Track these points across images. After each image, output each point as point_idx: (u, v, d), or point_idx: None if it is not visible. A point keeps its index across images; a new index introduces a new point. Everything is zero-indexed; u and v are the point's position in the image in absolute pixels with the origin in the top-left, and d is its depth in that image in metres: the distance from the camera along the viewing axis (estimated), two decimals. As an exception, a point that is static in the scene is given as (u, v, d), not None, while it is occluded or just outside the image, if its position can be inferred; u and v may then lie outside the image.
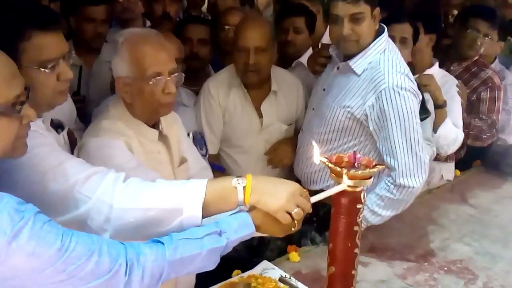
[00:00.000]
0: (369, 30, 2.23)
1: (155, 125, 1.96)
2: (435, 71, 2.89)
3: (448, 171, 3.19)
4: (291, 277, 2.01)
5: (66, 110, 2.25)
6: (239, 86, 2.62)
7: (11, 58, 1.25)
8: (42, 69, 1.43)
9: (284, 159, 2.67)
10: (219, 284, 1.94)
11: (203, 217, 1.32)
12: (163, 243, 1.22)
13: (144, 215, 1.33)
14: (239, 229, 1.30)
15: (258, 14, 3.51)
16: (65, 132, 1.76)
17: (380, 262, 2.24)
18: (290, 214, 1.32)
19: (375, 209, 2.24)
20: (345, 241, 1.51)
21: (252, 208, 1.36)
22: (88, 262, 1.11)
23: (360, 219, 1.50)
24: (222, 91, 2.63)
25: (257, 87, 2.62)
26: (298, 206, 1.33)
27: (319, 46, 3.13)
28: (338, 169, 1.43)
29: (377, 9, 2.23)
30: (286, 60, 3.06)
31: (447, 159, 3.12)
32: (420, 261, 2.26)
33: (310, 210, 1.37)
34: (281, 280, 2.00)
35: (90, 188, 1.36)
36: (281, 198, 1.31)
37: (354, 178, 1.43)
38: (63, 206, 1.36)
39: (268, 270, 2.07)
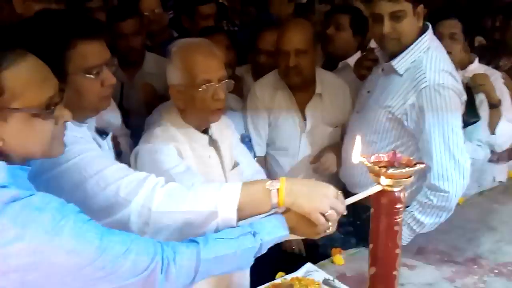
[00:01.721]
0: (411, 28, 2.17)
1: (206, 130, 2.02)
2: (476, 66, 2.80)
3: (500, 172, 3.07)
4: (335, 280, 1.98)
5: (112, 116, 2.33)
6: (284, 88, 2.64)
7: (58, 67, 1.31)
8: (88, 75, 1.50)
9: (330, 167, 2.63)
10: (262, 286, 1.94)
11: (238, 219, 1.33)
12: (198, 243, 1.23)
13: (181, 218, 1.36)
14: (272, 230, 1.30)
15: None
16: (109, 138, 1.82)
17: (427, 265, 2.17)
18: (324, 215, 1.30)
19: (417, 216, 2.17)
20: (385, 242, 1.48)
21: (286, 211, 1.35)
22: (125, 260, 1.13)
23: (401, 219, 1.47)
24: (268, 93, 2.65)
25: (301, 89, 2.63)
26: (332, 208, 1.31)
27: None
28: (377, 168, 1.41)
29: (421, 6, 2.16)
30: (332, 61, 3.04)
31: (498, 160, 3.00)
32: (469, 264, 2.17)
33: (345, 212, 1.35)
34: (325, 282, 1.97)
35: (131, 193, 1.40)
36: (315, 200, 1.30)
37: (392, 177, 1.40)
38: (106, 210, 1.39)
39: (312, 272, 2.04)
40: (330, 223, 1.32)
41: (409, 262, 2.18)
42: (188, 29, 3.28)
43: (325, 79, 2.67)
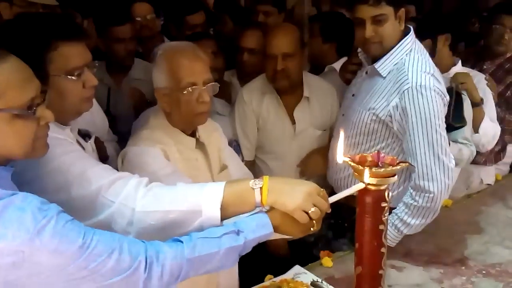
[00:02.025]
0: (393, 32, 2.19)
1: (193, 133, 2.02)
2: (459, 69, 2.83)
3: (488, 175, 3.09)
4: (323, 281, 1.98)
5: (98, 121, 2.34)
6: (272, 92, 2.65)
7: (39, 68, 1.31)
8: (70, 77, 1.51)
9: (317, 169, 2.65)
10: (250, 289, 1.94)
11: (222, 218, 1.33)
12: (182, 242, 1.23)
13: (165, 217, 1.35)
14: (257, 229, 1.30)
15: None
16: (92, 140, 1.82)
17: (415, 266, 2.18)
18: (307, 213, 1.31)
19: (404, 218, 2.17)
20: (371, 241, 1.47)
21: (270, 209, 1.35)
22: (109, 259, 1.13)
23: (386, 217, 1.47)
24: (256, 97, 2.67)
25: (289, 93, 2.64)
26: (315, 206, 1.31)
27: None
28: (360, 167, 1.40)
29: (402, 10, 2.19)
30: (317, 67, 3.06)
31: (486, 162, 3.03)
32: (457, 265, 2.18)
33: (328, 210, 1.35)
34: (313, 284, 1.98)
35: (114, 193, 1.40)
36: (298, 198, 1.30)
37: (377, 176, 1.40)
38: (89, 211, 1.40)
39: (300, 274, 2.05)
40: (314, 221, 1.32)
41: (397, 264, 2.19)
42: (176, 37, 3.28)
43: (312, 83, 2.69)
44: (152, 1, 3.38)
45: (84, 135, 1.73)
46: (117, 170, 1.65)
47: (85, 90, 1.56)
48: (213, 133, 2.15)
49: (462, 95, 2.55)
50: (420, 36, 2.34)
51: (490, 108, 2.79)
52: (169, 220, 1.35)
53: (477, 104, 2.63)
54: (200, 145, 2.04)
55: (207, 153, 2.06)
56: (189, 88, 1.87)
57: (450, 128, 2.41)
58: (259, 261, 2.43)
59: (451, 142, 2.56)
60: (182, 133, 1.98)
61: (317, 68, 3.09)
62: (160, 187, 1.42)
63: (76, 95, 1.54)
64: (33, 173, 1.39)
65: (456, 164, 2.57)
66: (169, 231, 1.34)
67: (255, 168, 2.73)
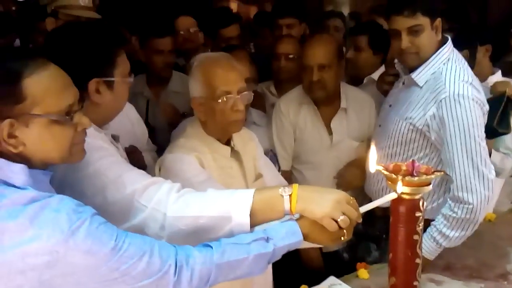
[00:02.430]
0: (429, 42, 2.17)
1: (228, 142, 2.05)
2: (498, 78, 2.76)
3: (534, 188, 2.98)
4: (358, 293, 1.95)
5: (139, 132, 2.42)
6: (309, 103, 2.67)
7: (108, 73, 1.51)
8: (129, 79, 1.68)
9: (354, 181, 2.64)
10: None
11: (251, 225, 1.34)
12: (212, 247, 1.24)
13: (195, 223, 1.37)
14: (286, 236, 1.30)
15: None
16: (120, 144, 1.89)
17: (455, 281, 2.12)
18: (336, 222, 1.30)
19: (442, 230, 2.12)
20: (405, 251, 1.46)
21: (300, 217, 1.35)
22: (139, 262, 1.15)
23: (420, 227, 1.45)
24: (293, 108, 2.69)
25: (326, 104, 2.65)
26: (344, 214, 1.30)
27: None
28: (394, 176, 1.39)
29: (438, 20, 2.17)
30: (356, 78, 3.05)
31: (532, 175, 2.92)
32: (499, 281, 2.11)
33: (359, 219, 1.34)
34: (348, 296, 1.95)
35: (147, 198, 1.43)
36: (327, 206, 1.30)
37: (410, 185, 1.39)
38: (124, 215, 1.43)
39: (335, 285, 2.03)
40: (344, 231, 1.31)
41: (436, 278, 2.13)
42: (212, 50, 3.32)
43: (349, 94, 2.69)
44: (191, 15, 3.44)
45: (115, 138, 1.79)
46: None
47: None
48: (248, 142, 2.17)
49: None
50: (458, 47, 2.30)
51: None
52: (199, 225, 1.37)
53: None
54: (235, 153, 2.06)
55: (242, 162, 2.07)
56: (224, 97, 1.89)
57: (493, 133, 2.35)
58: (294, 271, 2.43)
59: (493, 151, 2.50)
60: (217, 141, 2.00)
61: (356, 79, 3.07)
62: (191, 193, 1.45)
63: (126, 96, 1.70)
64: (73, 177, 1.44)
65: (498, 174, 2.51)
66: (200, 236, 1.36)
67: (292, 178, 2.73)
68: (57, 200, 1.14)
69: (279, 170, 2.64)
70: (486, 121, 2.18)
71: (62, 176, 1.41)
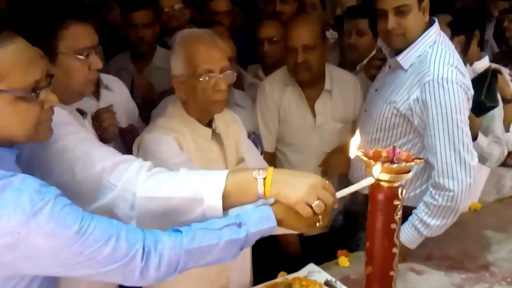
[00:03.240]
0: (416, 23, 2.15)
1: (210, 124, 2.02)
2: (484, 64, 2.73)
3: (520, 179, 2.97)
4: (337, 281, 1.94)
5: (129, 109, 2.36)
6: (293, 84, 2.66)
7: (49, 46, 1.34)
8: (79, 56, 1.55)
9: (338, 168, 2.65)
10: (260, 285, 1.91)
11: (224, 208, 1.31)
12: (181, 232, 1.21)
13: (166, 204, 1.34)
14: (259, 221, 1.27)
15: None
16: (89, 117, 1.87)
17: (436, 271, 2.13)
18: (311, 207, 1.27)
19: (423, 218, 2.11)
20: (382, 240, 1.43)
21: (275, 202, 1.33)
22: (105, 246, 1.13)
23: (399, 216, 1.42)
24: (277, 89, 2.68)
25: (311, 85, 2.65)
26: (319, 199, 1.27)
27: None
28: (372, 162, 1.36)
29: (426, 1, 2.15)
30: (350, 63, 3.01)
31: (519, 166, 2.92)
32: (481, 272, 2.12)
33: (335, 205, 1.32)
34: (327, 283, 1.95)
35: (116, 177, 1.39)
36: (301, 190, 1.27)
37: (389, 172, 1.35)
38: (93, 194, 1.40)
39: (314, 273, 2.03)
40: (320, 216, 1.28)
41: (417, 267, 2.14)
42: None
43: (334, 75, 2.69)
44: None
45: (81, 112, 1.75)
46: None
47: (90, 72, 1.61)
48: (231, 124, 2.13)
49: (498, 75, 2.45)
50: (456, 31, 2.27)
51: None
52: (170, 206, 1.34)
53: (508, 100, 2.53)
54: (216, 136, 2.04)
55: (223, 145, 2.05)
56: (206, 76, 1.86)
57: (481, 107, 2.33)
58: (274, 258, 2.41)
59: (480, 135, 2.48)
60: (198, 122, 1.97)
61: (350, 64, 3.03)
62: (162, 173, 1.42)
63: (82, 75, 1.59)
64: (40, 155, 1.41)
65: (485, 160, 2.50)
66: (172, 218, 1.34)
67: (275, 160, 2.74)
68: (20, 180, 1.10)
69: (261, 153, 2.62)
70: (470, 106, 2.17)
71: (29, 154, 1.38)
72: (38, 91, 1.21)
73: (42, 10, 1.52)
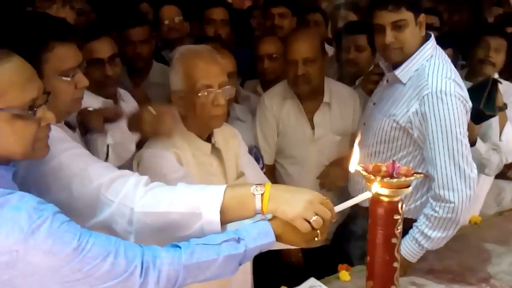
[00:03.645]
0: (413, 37, 2.18)
1: (209, 138, 2.02)
2: None
3: (521, 192, 2.97)
4: (337, 296, 1.93)
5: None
6: (292, 97, 2.70)
7: (35, 68, 1.32)
8: (64, 78, 1.54)
9: (337, 181, 2.66)
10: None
11: (222, 222, 1.31)
12: (180, 247, 1.21)
13: (164, 219, 1.34)
14: (258, 237, 1.27)
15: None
16: (78, 131, 1.86)
17: (437, 284, 2.13)
18: (309, 222, 1.27)
19: (424, 230, 2.12)
20: (383, 254, 1.43)
21: (273, 218, 1.32)
22: (104, 262, 1.12)
23: (399, 231, 1.42)
24: (276, 102, 2.72)
25: (310, 98, 2.68)
26: (317, 214, 1.27)
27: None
28: (372, 177, 1.36)
29: (422, 16, 2.19)
30: (349, 78, 3.02)
31: (519, 179, 2.92)
32: (481, 285, 2.12)
33: (333, 219, 1.32)
34: (327, 298, 1.93)
35: (114, 192, 1.39)
36: (298, 206, 1.27)
37: (389, 187, 1.36)
38: (90, 210, 1.40)
39: (315, 287, 2.00)
40: (318, 231, 1.28)
41: (418, 281, 2.14)
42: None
43: (333, 89, 2.73)
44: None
45: (70, 126, 1.75)
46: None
47: (77, 91, 1.60)
48: (231, 139, 2.14)
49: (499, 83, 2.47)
50: (442, 45, 2.30)
51: None
52: (168, 221, 1.34)
53: (500, 108, 2.54)
54: (216, 150, 2.05)
55: (222, 159, 2.06)
56: (204, 91, 1.87)
57: (480, 116, 2.34)
58: (274, 271, 2.40)
59: (479, 140, 2.49)
60: (198, 137, 1.99)
61: (350, 79, 3.03)
62: (160, 187, 1.42)
63: (69, 95, 1.57)
64: (37, 172, 1.40)
65: (484, 167, 2.50)
66: (170, 233, 1.34)
67: (275, 173, 2.77)
68: (18, 198, 1.10)
69: (263, 167, 2.62)
70: (469, 118, 2.19)
71: (26, 172, 1.37)
72: (35, 109, 1.21)
73: (25, 33, 1.50)
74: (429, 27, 2.40)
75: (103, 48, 2.29)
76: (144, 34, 2.94)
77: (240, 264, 1.26)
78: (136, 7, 3.53)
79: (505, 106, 2.61)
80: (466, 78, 2.84)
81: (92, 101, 2.05)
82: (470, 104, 2.16)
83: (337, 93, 2.71)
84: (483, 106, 2.38)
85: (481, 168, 2.53)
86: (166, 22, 3.28)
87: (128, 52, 2.93)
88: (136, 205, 1.36)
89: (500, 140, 2.61)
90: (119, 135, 1.96)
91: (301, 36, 2.61)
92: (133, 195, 1.37)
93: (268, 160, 2.73)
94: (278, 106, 2.70)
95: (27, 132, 1.22)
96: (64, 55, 1.53)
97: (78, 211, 1.34)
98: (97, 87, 2.20)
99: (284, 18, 3.41)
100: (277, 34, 3.12)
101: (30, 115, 1.20)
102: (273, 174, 2.74)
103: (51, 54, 1.51)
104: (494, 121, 2.54)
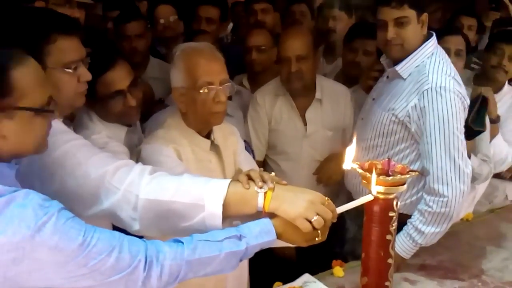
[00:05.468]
0: (414, 35, 2.23)
1: (208, 135, 2.07)
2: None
3: (513, 190, 3.04)
4: (332, 292, 1.98)
5: None
6: (285, 94, 2.77)
7: (38, 60, 1.37)
8: (67, 70, 1.57)
9: (333, 176, 2.73)
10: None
11: (224, 216, 1.36)
12: (183, 243, 1.26)
13: (168, 207, 1.39)
14: (259, 235, 1.32)
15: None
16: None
17: (429, 280, 2.17)
18: (310, 222, 1.32)
19: (418, 226, 2.17)
20: (377, 251, 1.49)
21: (275, 216, 1.37)
22: (108, 257, 1.17)
23: (394, 227, 1.48)
24: (269, 99, 2.78)
25: (302, 95, 2.74)
26: (318, 215, 1.32)
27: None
28: (368, 175, 1.41)
29: (425, 15, 2.24)
30: (351, 80, 3.03)
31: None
32: (473, 281, 2.16)
33: (334, 220, 1.36)
34: (321, 294, 1.98)
35: (119, 180, 1.44)
36: (300, 206, 1.32)
37: (385, 185, 1.41)
38: (95, 197, 1.44)
39: (309, 283, 2.06)
40: (319, 231, 1.32)
41: (410, 277, 2.18)
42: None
43: (325, 85, 2.79)
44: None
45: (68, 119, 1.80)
46: None
47: (80, 85, 1.62)
48: (229, 136, 2.19)
49: (489, 96, 2.53)
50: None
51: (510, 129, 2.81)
52: (171, 210, 1.39)
53: (493, 120, 2.62)
54: (215, 147, 2.09)
55: (221, 156, 2.10)
56: (206, 88, 1.92)
57: (469, 131, 2.40)
58: (269, 267, 2.45)
59: (472, 155, 2.54)
60: (197, 134, 2.03)
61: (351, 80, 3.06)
62: (165, 176, 1.46)
63: (71, 88, 1.60)
64: (40, 164, 1.44)
65: (474, 179, 2.56)
66: (172, 222, 1.39)
67: (267, 169, 2.75)
68: (23, 195, 1.15)
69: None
70: (466, 116, 2.24)
71: (27, 166, 1.41)
72: (50, 107, 1.26)
73: (28, 26, 1.53)
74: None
75: (120, 78, 2.07)
76: (139, 29, 3.00)
77: (240, 261, 1.31)
78: (132, 2, 3.55)
79: (498, 119, 2.67)
80: (473, 82, 2.92)
81: (118, 132, 2.07)
82: (468, 101, 2.23)
83: (329, 90, 2.78)
84: (471, 122, 2.44)
85: (472, 180, 2.59)
86: (162, 21, 3.34)
87: (124, 46, 2.98)
88: (141, 192, 1.40)
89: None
90: None
91: (294, 34, 2.69)
92: (139, 182, 1.42)
93: (258, 155, 2.79)
94: (270, 103, 2.77)
95: (43, 128, 1.28)
96: (67, 48, 1.56)
97: (82, 198, 1.40)
98: (120, 117, 2.08)
99: (266, 14, 3.49)
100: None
101: (48, 112, 1.26)
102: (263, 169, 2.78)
103: (53, 46, 1.53)
104: (485, 133, 2.59)
